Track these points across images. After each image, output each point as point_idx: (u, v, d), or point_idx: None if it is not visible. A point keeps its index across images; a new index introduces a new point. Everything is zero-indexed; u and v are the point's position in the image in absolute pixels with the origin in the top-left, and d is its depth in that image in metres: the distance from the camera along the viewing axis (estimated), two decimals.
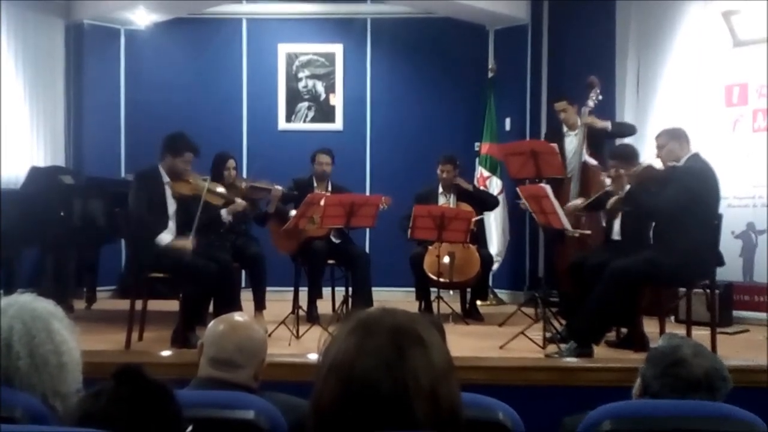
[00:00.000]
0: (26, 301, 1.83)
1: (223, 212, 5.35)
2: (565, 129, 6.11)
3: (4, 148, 6.77)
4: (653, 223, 4.89)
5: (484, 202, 6.44)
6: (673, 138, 4.74)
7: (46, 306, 1.85)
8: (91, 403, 1.49)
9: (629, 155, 5.08)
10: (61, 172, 6.60)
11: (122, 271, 7.27)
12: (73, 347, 1.83)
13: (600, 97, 5.80)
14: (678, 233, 4.51)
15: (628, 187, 4.76)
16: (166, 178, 5.02)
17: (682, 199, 4.50)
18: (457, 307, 6.26)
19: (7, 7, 7.04)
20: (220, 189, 5.35)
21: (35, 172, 6.33)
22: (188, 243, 4.89)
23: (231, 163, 5.80)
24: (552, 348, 4.66)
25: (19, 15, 7.20)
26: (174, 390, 1.57)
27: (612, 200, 4.90)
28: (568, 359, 4.41)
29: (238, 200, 5.46)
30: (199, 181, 5.09)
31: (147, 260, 4.92)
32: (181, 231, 5.01)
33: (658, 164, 4.80)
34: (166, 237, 4.92)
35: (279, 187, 5.79)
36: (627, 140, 5.92)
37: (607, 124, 5.86)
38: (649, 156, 5.60)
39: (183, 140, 5.08)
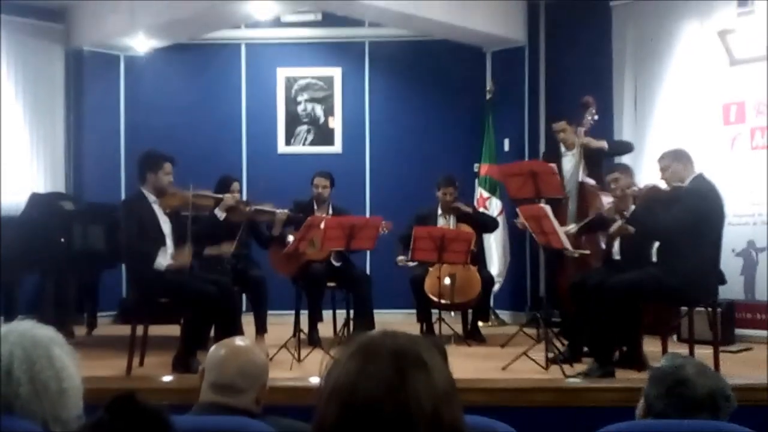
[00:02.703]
0: (26, 328, 1.83)
1: (218, 212, 5.32)
2: (563, 149, 6.11)
3: (5, 175, 6.79)
4: (654, 243, 4.90)
5: (484, 224, 6.45)
6: (676, 159, 4.75)
7: (46, 332, 1.84)
8: None
9: (625, 169, 5.14)
10: (61, 197, 6.62)
11: (123, 296, 7.27)
12: (73, 373, 1.82)
13: (596, 117, 5.80)
14: (682, 253, 4.51)
15: (632, 207, 4.76)
16: (152, 198, 5.02)
17: (687, 220, 4.50)
18: (459, 328, 6.24)
19: (8, 33, 7.09)
20: (206, 192, 5.37)
21: (35, 198, 6.34)
22: (185, 257, 4.89)
23: (235, 186, 5.80)
24: (571, 371, 4.63)
25: (19, 41, 7.26)
26: (169, 413, 1.55)
27: (615, 226, 4.90)
28: (571, 380, 4.40)
29: (228, 196, 5.43)
30: (184, 191, 5.11)
31: (147, 288, 4.91)
32: (180, 246, 5.00)
33: (662, 185, 4.81)
34: (162, 262, 4.90)
35: (284, 211, 5.77)
36: (626, 159, 5.93)
37: (603, 144, 5.87)
38: (647, 174, 5.63)
39: (156, 154, 5.13)
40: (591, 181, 5.80)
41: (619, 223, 4.84)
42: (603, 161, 5.93)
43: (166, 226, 5.04)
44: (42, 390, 1.75)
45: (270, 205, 5.76)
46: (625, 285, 4.53)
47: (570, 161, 5.97)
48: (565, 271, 5.67)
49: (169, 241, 5.01)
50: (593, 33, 7.05)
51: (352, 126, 7.95)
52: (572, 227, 5.21)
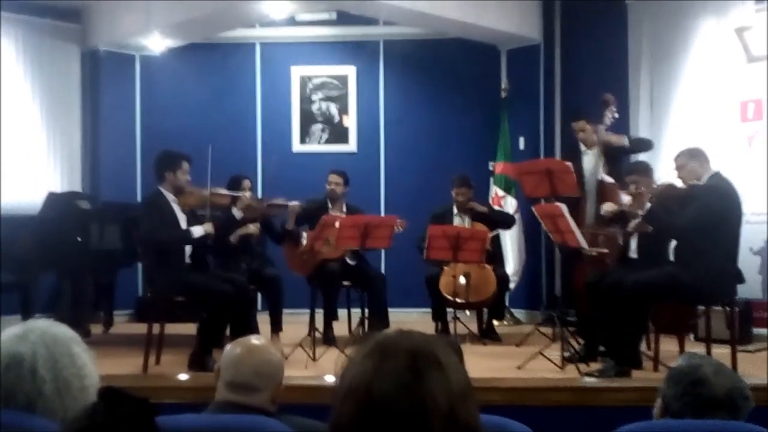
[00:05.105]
0: (46, 326, 1.84)
1: (235, 211, 5.39)
2: (582, 147, 6.07)
3: (22, 174, 6.85)
4: (672, 241, 4.87)
5: (500, 222, 6.42)
6: (692, 157, 4.72)
7: (64, 330, 1.86)
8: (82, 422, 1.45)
9: (645, 169, 5.09)
10: (77, 197, 6.65)
11: (139, 295, 7.30)
12: (93, 371, 1.84)
13: (616, 115, 5.76)
14: (699, 251, 4.49)
15: (648, 205, 4.74)
16: (171, 197, 5.09)
17: (704, 218, 4.48)
18: (474, 327, 6.23)
19: (24, 32, 7.15)
20: (223, 191, 5.43)
21: (52, 198, 6.37)
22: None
23: (246, 183, 5.83)
24: (587, 370, 4.61)
25: (36, 41, 7.31)
26: (155, 408, 1.50)
27: (633, 223, 4.88)
28: (587, 379, 4.38)
29: (244, 194, 5.50)
30: (202, 190, 5.19)
31: (164, 286, 4.94)
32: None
33: (679, 184, 4.79)
34: (197, 230, 5.02)
35: (296, 203, 5.82)
36: (642, 157, 5.89)
37: (624, 141, 5.83)
38: (663, 172, 5.59)
39: (174, 153, 5.22)
40: (610, 180, 5.76)
41: (638, 220, 4.82)
42: (622, 158, 5.89)
43: (184, 224, 5.10)
44: (65, 388, 1.76)
45: (282, 199, 5.81)
46: (642, 284, 4.52)
47: (590, 160, 5.92)
48: (581, 269, 5.64)
49: None
50: (609, 30, 7.01)
51: (366, 125, 7.95)
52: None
